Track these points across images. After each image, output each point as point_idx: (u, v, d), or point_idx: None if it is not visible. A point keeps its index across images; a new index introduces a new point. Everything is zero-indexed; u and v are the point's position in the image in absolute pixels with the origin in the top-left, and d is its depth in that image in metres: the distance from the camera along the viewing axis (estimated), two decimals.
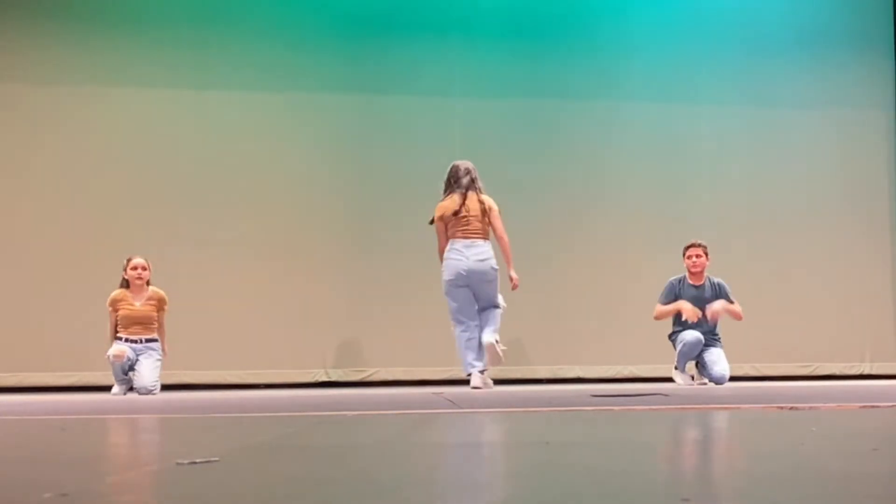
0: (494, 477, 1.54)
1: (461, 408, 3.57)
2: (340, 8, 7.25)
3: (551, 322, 7.16)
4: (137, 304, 5.96)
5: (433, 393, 5.19)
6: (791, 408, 3.25)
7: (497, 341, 5.41)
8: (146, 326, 5.95)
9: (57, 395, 5.70)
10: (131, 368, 5.79)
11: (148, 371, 5.79)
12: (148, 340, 5.92)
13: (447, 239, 5.58)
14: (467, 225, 5.55)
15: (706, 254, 6.04)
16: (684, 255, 6.09)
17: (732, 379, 7.07)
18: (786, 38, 7.61)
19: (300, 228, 6.97)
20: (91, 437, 2.53)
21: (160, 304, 6.01)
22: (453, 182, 5.70)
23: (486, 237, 5.62)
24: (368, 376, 6.87)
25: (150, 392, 5.71)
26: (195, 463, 1.67)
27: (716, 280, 6.11)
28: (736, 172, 7.46)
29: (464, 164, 5.79)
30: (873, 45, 7.68)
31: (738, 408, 3.37)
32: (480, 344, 5.48)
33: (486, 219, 5.62)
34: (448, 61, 7.28)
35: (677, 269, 7.34)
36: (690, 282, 6.07)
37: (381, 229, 6.91)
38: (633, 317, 7.17)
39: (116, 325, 5.96)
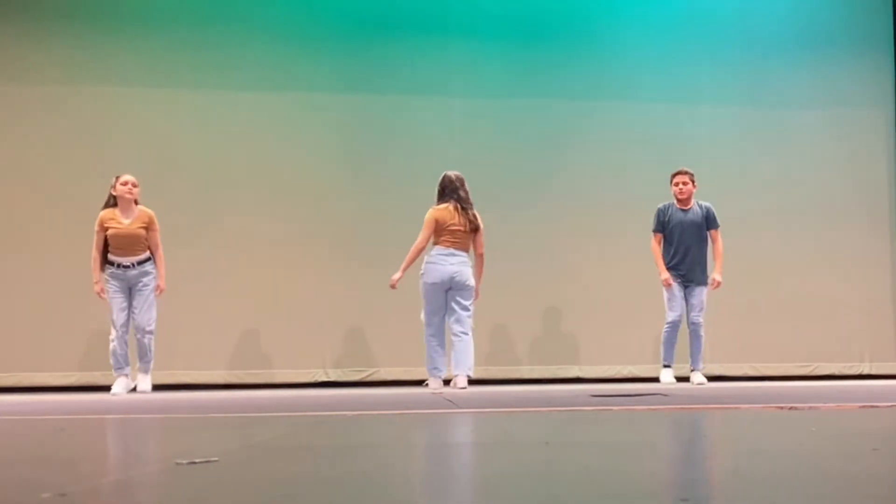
0: (494, 477, 1.54)
1: (461, 408, 3.57)
2: (340, 8, 7.25)
3: (551, 322, 7.16)
4: (126, 223, 5.79)
5: (433, 393, 5.19)
6: (791, 408, 3.25)
7: (466, 385, 5.62)
8: (137, 246, 5.78)
9: (57, 395, 5.69)
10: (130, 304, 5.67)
11: (143, 309, 5.69)
12: (140, 263, 5.77)
13: (428, 243, 5.80)
14: (455, 237, 5.78)
15: (692, 181, 6.29)
16: (671, 182, 6.34)
17: (732, 379, 7.08)
18: (786, 37, 7.61)
19: (299, 228, 6.96)
20: (90, 437, 2.53)
21: (150, 223, 5.85)
22: (449, 192, 5.84)
23: (467, 250, 5.87)
24: (368, 376, 6.88)
25: (146, 334, 5.66)
26: (194, 463, 1.67)
27: (704, 204, 6.34)
28: (736, 172, 7.47)
29: (456, 175, 5.92)
30: (873, 44, 7.69)
31: (738, 408, 3.37)
32: (443, 349, 5.79)
33: (472, 235, 5.86)
34: (448, 61, 7.28)
35: None
36: (678, 206, 6.31)
37: (380, 229, 6.90)
38: (632, 317, 7.17)
39: (105, 249, 5.78)
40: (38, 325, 6.65)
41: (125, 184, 5.82)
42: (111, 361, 5.78)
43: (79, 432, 2.64)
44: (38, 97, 6.89)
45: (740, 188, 7.44)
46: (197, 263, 6.81)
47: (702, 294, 6.20)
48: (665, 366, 6.24)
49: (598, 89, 7.42)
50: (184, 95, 7.04)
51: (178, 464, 1.67)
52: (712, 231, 6.27)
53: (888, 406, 3.38)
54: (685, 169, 6.29)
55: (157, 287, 5.83)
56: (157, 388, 6.45)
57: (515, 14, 7.40)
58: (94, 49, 6.97)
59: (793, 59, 7.58)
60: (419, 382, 6.21)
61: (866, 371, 7.36)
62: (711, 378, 7.13)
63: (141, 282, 5.78)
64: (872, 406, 3.37)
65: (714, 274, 6.22)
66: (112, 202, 5.85)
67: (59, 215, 6.79)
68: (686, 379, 6.36)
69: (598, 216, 7.30)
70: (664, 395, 4.25)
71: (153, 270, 5.85)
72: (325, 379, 6.83)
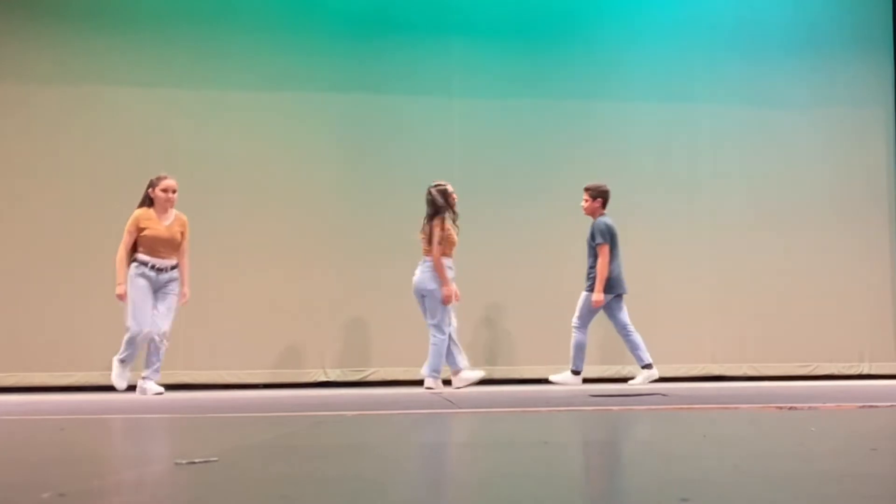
0: (493, 477, 1.54)
1: (460, 408, 3.57)
2: (340, 8, 7.25)
3: (550, 322, 7.15)
4: (165, 224, 5.59)
5: (432, 393, 5.19)
6: (790, 408, 3.25)
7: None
8: (173, 250, 5.62)
9: (56, 395, 5.69)
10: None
11: (166, 314, 5.52)
12: (173, 268, 5.62)
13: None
14: (451, 249, 5.97)
15: (592, 197, 6.34)
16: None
17: (732, 379, 7.08)
18: (785, 37, 7.61)
19: (299, 228, 6.96)
20: (90, 437, 2.53)
21: (185, 229, 5.70)
22: (453, 208, 5.93)
23: None
24: (367, 376, 6.87)
25: (165, 339, 5.49)
26: (194, 463, 1.67)
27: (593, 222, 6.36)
28: (735, 172, 7.46)
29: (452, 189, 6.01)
30: (873, 44, 7.68)
31: (738, 408, 3.37)
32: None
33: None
34: (447, 61, 7.28)
35: (676, 268, 7.34)
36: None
37: (380, 229, 6.90)
38: (632, 317, 7.17)
39: (134, 250, 5.57)
40: (38, 325, 6.65)
41: (165, 190, 5.62)
42: (122, 355, 5.56)
43: (79, 432, 2.64)
44: (37, 97, 6.89)
45: (740, 188, 7.44)
46: (197, 263, 6.80)
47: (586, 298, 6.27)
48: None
49: (597, 89, 7.41)
50: (183, 95, 7.04)
51: (177, 464, 1.67)
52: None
53: (887, 406, 3.38)
54: (587, 185, 6.39)
55: (183, 295, 5.70)
56: None
57: (516, 14, 7.40)
58: (94, 49, 6.97)
59: (793, 58, 7.58)
60: (419, 382, 6.22)
61: (866, 371, 7.35)
62: (711, 378, 7.13)
63: (169, 286, 5.63)
64: (872, 406, 3.37)
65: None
66: (148, 202, 5.65)
67: (58, 215, 6.79)
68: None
69: None
70: (663, 395, 4.25)
71: (178, 277, 5.71)
72: (324, 379, 6.82)
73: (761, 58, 7.53)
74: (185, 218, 5.73)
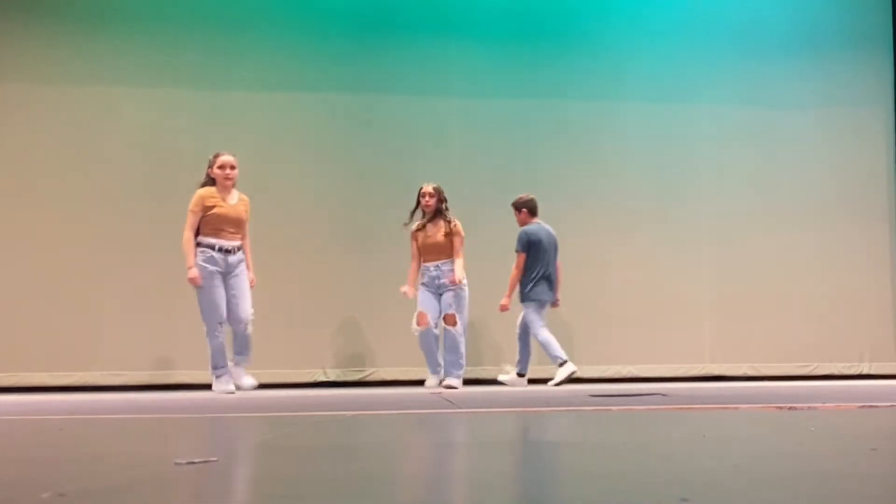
0: (493, 477, 1.54)
1: (459, 408, 3.56)
2: (338, 8, 7.25)
3: (550, 322, 7.16)
4: (232, 203, 5.32)
5: (432, 393, 5.19)
6: (790, 408, 3.25)
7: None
8: (240, 230, 5.33)
9: (56, 395, 5.69)
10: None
11: (243, 297, 5.24)
12: (239, 249, 5.35)
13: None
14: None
15: (517, 210, 6.40)
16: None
17: (732, 379, 7.08)
18: (785, 37, 7.61)
19: (299, 228, 6.96)
20: (90, 437, 2.53)
21: (247, 208, 5.44)
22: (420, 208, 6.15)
23: None
24: (367, 376, 6.88)
25: (248, 324, 5.26)
26: (193, 463, 1.67)
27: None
28: (735, 172, 7.47)
29: None
30: (872, 44, 7.69)
31: (738, 408, 3.37)
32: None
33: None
34: (446, 61, 7.28)
35: (675, 268, 7.34)
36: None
37: (379, 229, 6.90)
38: (632, 317, 7.18)
39: (197, 233, 5.27)
40: (38, 325, 6.64)
41: (223, 167, 5.36)
42: (213, 361, 5.36)
43: (79, 432, 2.64)
44: (36, 96, 6.89)
45: (740, 188, 7.44)
46: None
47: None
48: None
49: (597, 89, 7.42)
50: (183, 95, 7.04)
51: (177, 464, 1.67)
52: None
53: (887, 406, 3.38)
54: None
55: (252, 282, 5.47)
56: (157, 388, 6.46)
57: (515, 14, 7.40)
58: (94, 49, 6.97)
59: (792, 58, 7.58)
60: (418, 382, 6.22)
61: (866, 371, 7.36)
62: (711, 378, 7.14)
63: (240, 268, 5.34)
64: (871, 406, 3.37)
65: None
66: (210, 181, 5.42)
67: (58, 215, 6.79)
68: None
69: (596, 216, 7.30)
70: (663, 395, 4.26)
71: (244, 258, 5.46)
72: (324, 379, 6.82)
73: (761, 58, 7.53)
74: (247, 198, 5.50)
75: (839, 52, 7.62)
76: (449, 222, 6.03)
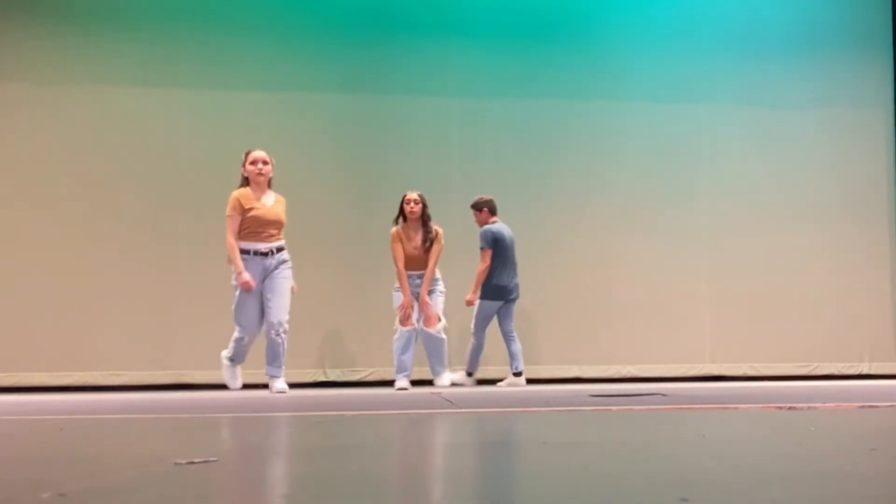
0: (493, 477, 1.54)
1: (459, 408, 3.56)
2: (339, 8, 7.25)
3: (550, 322, 7.16)
4: (269, 204, 5.10)
5: (431, 393, 5.19)
6: (790, 408, 3.25)
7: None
8: (277, 231, 5.10)
9: (55, 395, 5.69)
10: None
11: (279, 302, 4.99)
12: (279, 250, 5.10)
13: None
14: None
15: (477, 210, 6.43)
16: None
17: (732, 379, 7.09)
18: (785, 37, 7.61)
19: (298, 228, 6.94)
20: (89, 437, 2.53)
21: (284, 209, 5.22)
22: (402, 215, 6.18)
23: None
24: (366, 376, 6.88)
25: (283, 332, 5.06)
26: (193, 463, 1.67)
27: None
28: (735, 172, 7.47)
29: None
30: (872, 44, 7.69)
31: (737, 408, 3.37)
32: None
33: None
34: (447, 61, 7.28)
35: (675, 268, 7.34)
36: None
37: (379, 229, 6.90)
38: (632, 317, 7.18)
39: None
40: (37, 325, 6.64)
41: (254, 163, 5.16)
42: (230, 354, 5.29)
43: (79, 432, 2.64)
44: (35, 97, 6.89)
45: (739, 188, 7.44)
46: (197, 263, 6.81)
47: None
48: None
49: (596, 89, 7.42)
50: (183, 95, 7.04)
51: (177, 464, 1.67)
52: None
53: (887, 406, 3.38)
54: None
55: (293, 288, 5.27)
56: (156, 388, 6.46)
57: (515, 14, 7.40)
58: (94, 49, 6.97)
59: (792, 58, 7.58)
60: (418, 382, 6.22)
61: (866, 371, 7.36)
62: (711, 378, 7.14)
63: (279, 270, 5.12)
64: (871, 406, 3.37)
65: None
66: (244, 182, 5.24)
67: (58, 215, 6.79)
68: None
69: (596, 216, 7.30)
70: (663, 395, 4.25)
71: (289, 259, 5.25)
72: (324, 379, 6.82)
73: (761, 58, 7.53)
74: (284, 199, 5.33)
75: (839, 52, 7.62)
76: (430, 231, 6.01)
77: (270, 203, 5.20)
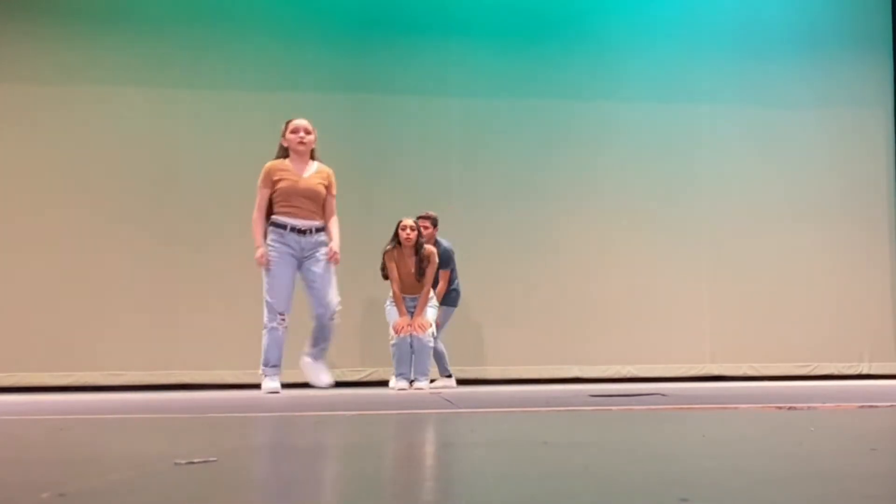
0: (492, 477, 1.54)
1: (459, 408, 3.56)
2: (339, 8, 7.26)
3: (550, 322, 7.16)
4: (304, 176, 4.74)
5: (431, 393, 5.19)
6: (789, 408, 3.25)
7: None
8: (315, 207, 4.72)
9: (55, 395, 5.69)
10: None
11: (327, 284, 4.66)
12: (318, 230, 4.74)
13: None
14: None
15: (433, 225, 6.46)
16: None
17: (731, 379, 7.09)
18: (785, 37, 7.62)
19: None
20: (89, 437, 2.53)
21: (331, 183, 4.81)
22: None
23: None
24: (366, 376, 6.88)
25: (334, 315, 4.76)
26: (193, 463, 1.67)
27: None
28: (735, 172, 7.48)
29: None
30: (872, 44, 7.70)
31: (737, 408, 3.37)
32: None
33: None
34: (446, 61, 7.29)
35: (675, 268, 7.35)
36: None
37: (379, 229, 6.90)
38: (632, 317, 7.18)
39: (270, 210, 4.76)
40: (37, 325, 6.65)
41: (296, 131, 4.81)
42: (264, 356, 4.98)
43: (78, 432, 2.64)
44: (35, 97, 6.89)
45: (740, 188, 7.45)
46: (197, 263, 6.81)
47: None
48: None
49: (597, 89, 7.43)
50: (182, 95, 7.05)
51: (177, 464, 1.67)
52: None
53: (887, 406, 3.38)
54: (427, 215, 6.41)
55: (331, 251, 4.84)
56: (156, 388, 6.46)
57: (515, 13, 7.41)
58: (94, 49, 6.98)
59: (792, 58, 7.59)
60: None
61: (866, 371, 7.37)
62: (711, 378, 7.14)
63: (318, 252, 4.80)
64: (871, 406, 3.37)
65: None
66: (283, 153, 4.93)
67: (58, 215, 6.79)
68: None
69: (596, 215, 7.31)
70: (663, 395, 4.25)
71: (327, 241, 4.87)
72: None
73: (761, 58, 7.54)
74: (329, 170, 4.93)
75: (839, 52, 7.63)
76: (423, 260, 5.94)
77: (308, 174, 4.84)
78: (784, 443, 2.08)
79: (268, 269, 4.81)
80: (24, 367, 6.60)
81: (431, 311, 6.15)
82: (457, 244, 6.55)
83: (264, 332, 4.99)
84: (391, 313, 6.08)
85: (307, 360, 5.11)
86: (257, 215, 4.84)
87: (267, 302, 4.93)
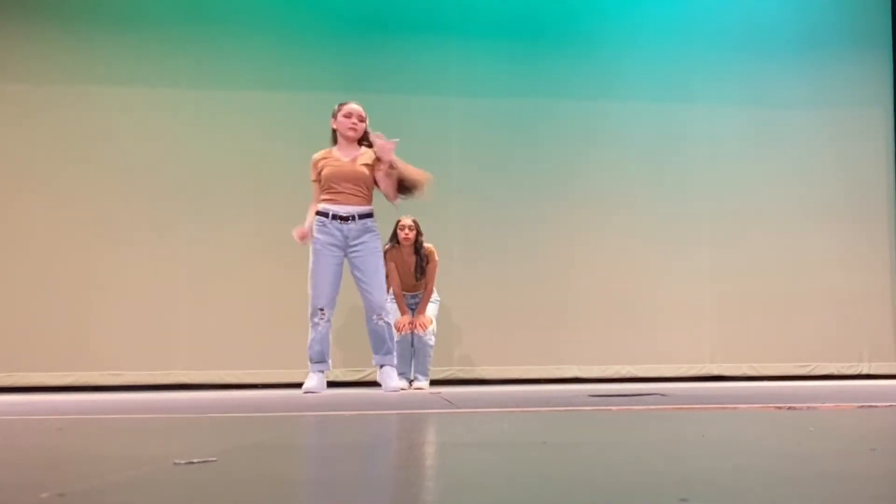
0: (492, 477, 1.54)
1: (459, 408, 3.56)
2: (338, 7, 7.26)
3: (550, 322, 7.16)
4: (346, 160, 4.61)
5: (431, 393, 5.19)
6: (789, 408, 3.25)
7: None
8: (359, 191, 4.55)
9: (55, 395, 5.69)
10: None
11: (376, 279, 4.48)
12: (363, 217, 4.52)
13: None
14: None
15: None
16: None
17: (731, 379, 7.09)
18: (784, 37, 7.62)
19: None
20: (89, 437, 2.53)
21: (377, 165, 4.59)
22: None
23: None
24: (366, 376, 6.88)
25: (378, 319, 4.62)
26: (193, 463, 1.67)
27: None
28: (734, 172, 7.47)
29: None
30: (871, 44, 7.69)
31: (737, 408, 3.37)
32: None
33: None
34: (445, 61, 7.29)
35: (675, 267, 7.34)
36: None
37: (379, 228, 6.90)
38: (631, 317, 7.18)
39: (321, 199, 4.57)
40: (36, 324, 6.65)
41: (349, 115, 4.67)
42: (308, 352, 4.92)
43: (78, 432, 2.64)
44: (35, 97, 6.89)
45: (738, 188, 7.45)
46: (196, 263, 6.82)
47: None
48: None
49: (595, 89, 7.42)
50: (182, 95, 7.05)
51: (176, 464, 1.67)
52: None
53: (887, 406, 3.38)
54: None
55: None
56: (156, 388, 6.46)
57: (515, 13, 7.41)
58: (94, 49, 6.97)
59: (791, 58, 7.59)
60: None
61: (865, 371, 7.37)
62: (711, 378, 7.14)
63: (363, 242, 4.58)
64: (871, 406, 3.37)
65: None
66: (334, 139, 4.81)
67: (59, 215, 6.79)
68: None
69: (596, 215, 7.31)
70: (663, 396, 4.25)
71: (376, 229, 4.70)
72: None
73: (760, 58, 7.54)
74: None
75: (839, 52, 7.62)
76: (423, 259, 5.90)
77: (348, 159, 4.67)
78: (784, 443, 2.08)
79: (316, 260, 4.64)
80: (24, 367, 6.60)
81: (434, 307, 6.14)
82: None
83: (310, 324, 4.94)
84: (390, 311, 6.07)
85: (376, 366, 5.09)
86: (311, 207, 4.76)
87: (309, 295, 4.86)
